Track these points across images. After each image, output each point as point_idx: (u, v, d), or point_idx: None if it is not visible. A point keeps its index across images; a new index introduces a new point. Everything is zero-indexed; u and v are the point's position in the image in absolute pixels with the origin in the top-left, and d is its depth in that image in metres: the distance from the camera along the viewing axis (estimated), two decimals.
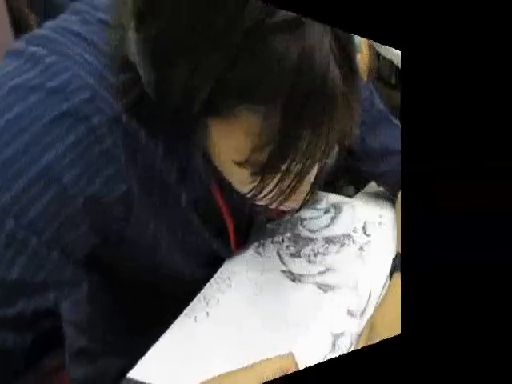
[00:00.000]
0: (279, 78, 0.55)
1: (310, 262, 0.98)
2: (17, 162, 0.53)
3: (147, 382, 0.70)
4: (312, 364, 0.62)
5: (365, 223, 1.12)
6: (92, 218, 0.60)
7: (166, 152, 0.65)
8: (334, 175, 1.00)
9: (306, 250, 1.00)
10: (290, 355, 0.65)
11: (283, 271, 0.96)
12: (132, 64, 0.55)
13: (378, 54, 2.06)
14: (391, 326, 0.77)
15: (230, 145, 0.61)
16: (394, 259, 0.95)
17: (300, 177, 0.62)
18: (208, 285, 0.89)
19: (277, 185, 0.62)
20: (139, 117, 0.60)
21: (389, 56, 1.94)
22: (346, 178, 1.44)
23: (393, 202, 1.15)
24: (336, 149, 0.69)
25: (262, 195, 0.63)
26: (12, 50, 0.56)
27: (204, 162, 0.66)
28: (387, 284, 0.92)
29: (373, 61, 2.06)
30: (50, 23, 0.60)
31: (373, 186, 1.21)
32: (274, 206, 0.66)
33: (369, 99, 1.03)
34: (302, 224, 1.06)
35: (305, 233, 1.04)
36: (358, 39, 1.76)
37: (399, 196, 1.10)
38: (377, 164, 1.10)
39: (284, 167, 0.61)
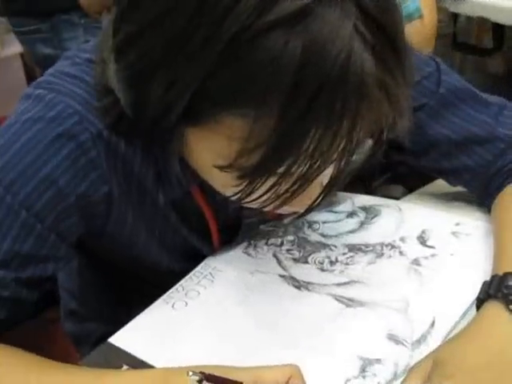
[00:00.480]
0: (274, 77, 0.54)
1: (322, 270, 0.86)
2: (27, 171, 0.70)
3: (125, 349, 0.75)
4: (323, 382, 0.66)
5: (424, 231, 0.91)
6: (80, 212, 0.74)
7: (143, 158, 0.75)
8: (366, 172, 0.94)
9: (318, 257, 0.88)
10: (295, 368, 0.63)
11: (282, 276, 0.85)
12: (112, 90, 0.66)
13: (455, 15, 1.77)
14: (471, 371, 0.64)
15: (210, 150, 0.64)
16: (487, 284, 0.73)
17: (304, 180, 0.60)
18: (187, 277, 0.87)
19: (271, 189, 0.61)
20: (118, 132, 0.72)
21: (479, 12, 1.67)
22: (386, 176, 1.31)
23: (482, 206, 0.95)
24: (369, 143, 0.68)
25: (250, 199, 0.63)
26: (25, 94, 0.74)
27: (182, 166, 0.72)
28: (470, 314, 0.74)
29: (443, 26, 1.73)
30: (49, 71, 0.76)
31: (441, 184, 0.99)
32: (268, 209, 0.67)
33: (433, 77, 0.88)
34: (310, 227, 0.95)
35: (315, 237, 0.92)
36: (414, 5, 1.45)
37: (498, 200, 0.90)
38: (447, 157, 0.91)
39: (282, 170, 0.59)
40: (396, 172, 1.42)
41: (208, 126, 0.60)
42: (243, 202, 0.63)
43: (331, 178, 0.62)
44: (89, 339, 1.00)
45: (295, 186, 0.60)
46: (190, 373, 0.54)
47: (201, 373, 0.54)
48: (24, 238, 0.70)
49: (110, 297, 1.00)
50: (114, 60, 0.63)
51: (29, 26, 1.77)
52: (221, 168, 0.61)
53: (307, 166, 0.58)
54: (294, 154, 0.57)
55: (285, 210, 0.67)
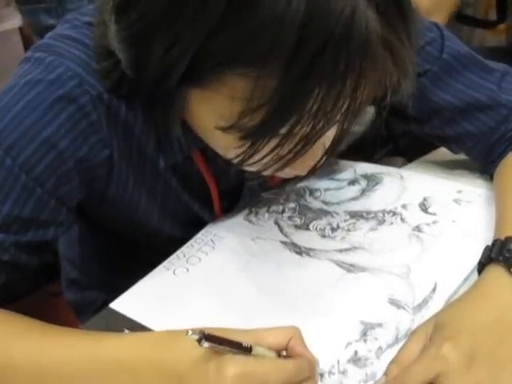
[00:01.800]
0: (277, 35, 0.53)
1: (324, 236, 0.86)
2: (28, 134, 0.69)
3: (126, 314, 0.75)
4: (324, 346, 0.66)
5: (425, 199, 0.91)
6: (81, 176, 0.74)
7: (144, 122, 0.75)
8: (368, 144, 1.06)
9: (319, 224, 0.88)
10: (296, 329, 0.61)
11: (284, 242, 0.85)
12: (112, 52, 0.66)
13: None
14: (471, 332, 0.63)
15: (212, 111, 0.64)
16: (488, 248, 0.73)
17: (307, 141, 0.60)
18: (188, 244, 0.87)
19: (273, 150, 0.61)
20: (119, 95, 0.71)
21: None
22: (388, 149, 1.29)
23: (484, 174, 0.94)
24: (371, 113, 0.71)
25: (252, 161, 0.63)
26: (24, 57, 0.74)
27: (183, 130, 0.72)
28: (472, 279, 0.73)
29: None
30: (49, 34, 0.76)
31: (443, 152, 0.99)
32: (268, 173, 0.66)
33: (436, 43, 0.87)
34: (312, 195, 0.95)
35: (317, 204, 0.92)
36: None
37: (500, 166, 0.89)
38: (450, 124, 0.90)
39: (284, 130, 0.59)
40: (397, 145, 1.42)
41: (210, 87, 0.60)
42: (245, 164, 0.63)
43: (334, 139, 0.62)
44: (90, 308, 1.00)
45: (298, 147, 0.60)
46: (190, 332, 0.54)
47: (200, 332, 0.54)
48: (24, 201, 0.70)
49: (110, 265, 1.00)
50: (115, 21, 0.63)
51: None
52: (223, 129, 0.61)
53: (310, 127, 0.58)
54: (297, 115, 0.57)
55: (287, 173, 0.67)
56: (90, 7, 0.77)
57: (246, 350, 0.56)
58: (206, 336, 0.54)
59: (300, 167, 0.66)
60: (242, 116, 0.58)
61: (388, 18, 0.55)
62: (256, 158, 0.62)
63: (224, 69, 0.57)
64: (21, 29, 2.84)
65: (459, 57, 0.87)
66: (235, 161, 0.63)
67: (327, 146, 0.64)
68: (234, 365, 0.56)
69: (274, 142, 0.60)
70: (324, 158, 0.65)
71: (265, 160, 0.62)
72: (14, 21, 2.74)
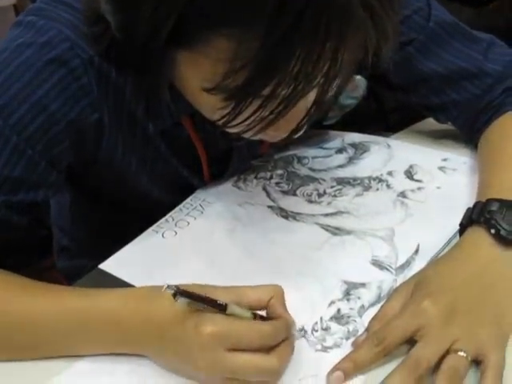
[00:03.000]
0: None
1: (310, 201, 0.88)
2: (19, 96, 0.70)
3: (115, 275, 0.76)
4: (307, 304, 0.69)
5: (411, 166, 0.93)
6: (71, 138, 0.75)
7: (133, 87, 0.76)
8: (360, 121, 1.04)
9: (306, 189, 0.90)
10: (278, 288, 0.64)
11: (271, 207, 0.86)
12: (102, 16, 0.66)
13: None
14: (451, 289, 0.66)
15: (198, 72, 0.65)
16: (470, 210, 0.75)
17: (288, 101, 0.60)
18: (177, 209, 0.88)
19: (256, 111, 0.61)
20: (109, 59, 0.72)
21: None
22: (377, 118, 1.33)
23: (469, 144, 0.95)
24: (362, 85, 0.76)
25: (235, 122, 0.64)
26: (16, 21, 0.75)
27: (172, 95, 0.73)
28: (454, 242, 0.74)
29: None
30: None
31: (429, 123, 1.01)
32: (251, 134, 0.67)
33: (423, 11, 0.88)
34: (300, 162, 0.96)
35: (304, 171, 0.94)
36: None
37: (484, 134, 0.90)
38: (436, 93, 0.91)
39: (266, 92, 0.59)
40: (388, 121, 1.43)
41: (195, 49, 0.61)
42: (230, 125, 0.64)
43: (315, 101, 0.63)
44: (80, 275, 1.02)
45: (280, 108, 0.61)
46: (165, 286, 0.55)
47: (176, 287, 0.55)
48: (15, 162, 0.71)
49: (100, 232, 1.01)
50: None
51: None
52: (208, 90, 0.62)
53: (291, 88, 0.58)
54: (279, 76, 0.57)
55: (271, 135, 0.68)
56: None
57: (221, 308, 0.57)
58: (180, 291, 0.55)
59: (283, 129, 0.67)
60: (226, 77, 0.59)
61: None
62: (240, 119, 0.63)
63: (209, 30, 0.58)
64: (15, 6, 2.83)
65: (445, 26, 0.87)
66: (220, 122, 0.65)
67: (309, 108, 0.65)
68: (211, 324, 0.58)
69: (256, 103, 0.61)
70: (306, 120, 0.66)
71: (248, 121, 0.63)
72: None
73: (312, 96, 0.62)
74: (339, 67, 0.58)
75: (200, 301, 0.57)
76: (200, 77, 0.64)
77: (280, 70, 0.57)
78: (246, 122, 0.63)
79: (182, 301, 0.56)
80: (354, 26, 0.56)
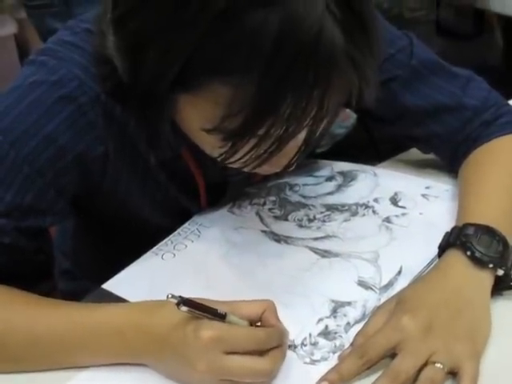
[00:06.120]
0: (254, 48, 0.59)
1: (301, 226, 0.92)
2: (31, 129, 0.75)
3: (118, 294, 0.80)
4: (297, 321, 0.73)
5: (396, 194, 0.97)
6: (78, 170, 0.79)
7: (136, 122, 0.79)
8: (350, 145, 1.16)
9: (297, 215, 0.94)
10: (270, 303, 0.69)
11: (264, 231, 0.91)
12: (110, 59, 0.70)
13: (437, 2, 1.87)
14: (429, 307, 0.71)
15: (198, 114, 0.69)
16: (448, 233, 0.80)
17: (281, 141, 0.65)
18: (176, 232, 0.93)
19: (252, 149, 0.66)
20: (115, 97, 0.76)
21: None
22: (367, 148, 1.37)
23: (451, 173, 0.99)
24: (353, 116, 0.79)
25: (233, 159, 0.68)
26: (29, 60, 0.80)
27: (173, 130, 0.76)
28: (434, 264, 0.79)
29: (425, 13, 1.84)
30: (51, 39, 0.82)
31: (414, 153, 1.05)
32: (248, 169, 0.71)
33: (406, 50, 0.93)
34: (292, 189, 1.01)
35: (295, 198, 0.98)
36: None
37: (464, 164, 0.94)
38: (419, 125, 0.95)
39: (261, 132, 0.64)
40: (378, 150, 1.47)
41: (197, 93, 0.65)
42: (228, 161, 0.69)
43: (305, 140, 0.68)
44: (82, 297, 1.05)
45: (273, 147, 0.65)
46: (170, 295, 0.60)
47: (179, 297, 0.60)
48: (25, 191, 0.76)
49: (102, 255, 1.04)
50: (113, 32, 0.68)
51: (40, 0, 1.79)
52: (207, 131, 0.66)
53: (283, 129, 0.63)
54: (272, 118, 0.62)
55: (265, 169, 0.72)
56: (88, 14, 0.83)
57: (221, 317, 0.63)
58: (183, 300, 0.60)
59: (276, 165, 0.71)
60: (224, 119, 0.63)
61: (352, 35, 0.61)
62: (237, 156, 0.67)
63: (209, 77, 0.63)
64: (15, 35, 2.88)
65: (427, 63, 0.92)
66: (219, 159, 0.69)
67: (299, 146, 0.69)
68: (209, 329, 0.63)
69: (252, 143, 0.65)
70: (297, 157, 0.70)
71: (245, 158, 0.67)
72: (10, 28, 2.78)
73: (302, 135, 0.67)
74: (326, 111, 0.64)
75: (201, 310, 0.62)
76: (200, 118, 0.68)
77: (273, 114, 0.62)
78: (243, 160, 0.68)
79: (184, 309, 0.61)
80: (339, 75, 0.61)
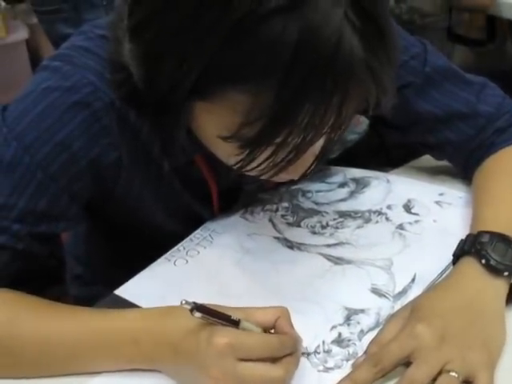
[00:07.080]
0: (273, 57, 0.59)
1: (314, 233, 0.92)
2: (45, 135, 0.75)
3: (130, 300, 0.80)
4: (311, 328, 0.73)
5: (409, 200, 0.97)
6: (92, 176, 0.79)
7: (150, 128, 0.80)
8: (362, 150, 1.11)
9: (310, 222, 0.94)
10: (284, 310, 0.68)
11: (277, 238, 0.91)
12: (125, 66, 0.70)
13: (450, 9, 1.87)
14: (442, 315, 0.70)
15: (215, 122, 0.68)
16: (462, 241, 0.79)
17: (298, 150, 0.65)
18: (188, 239, 0.92)
19: (269, 157, 0.66)
20: (129, 104, 0.75)
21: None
22: (378, 153, 1.33)
23: (465, 180, 0.99)
24: (365, 121, 0.78)
25: (250, 167, 0.68)
26: (43, 65, 0.80)
27: (188, 136, 0.75)
28: (448, 272, 0.79)
29: (438, 20, 1.86)
30: (64, 45, 0.82)
31: (427, 159, 1.05)
32: (265, 177, 0.70)
33: (419, 57, 0.93)
34: (304, 196, 1.01)
35: (308, 204, 0.98)
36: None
37: (478, 171, 0.94)
38: (432, 132, 0.95)
39: (279, 140, 0.64)
40: (390, 156, 1.47)
41: (214, 101, 0.65)
42: (244, 170, 0.68)
43: (322, 148, 0.68)
44: (93, 303, 1.05)
45: (290, 155, 0.65)
46: (184, 301, 0.60)
47: (193, 303, 0.60)
48: (39, 196, 0.76)
49: (114, 260, 1.04)
50: (129, 40, 0.68)
51: (50, 6, 1.80)
52: (224, 139, 0.66)
53: (301, 138, 0.63)
54: (290, 127, 0.62)
55: (281, 177, 0.72)
56: (101, 20, 0.83)
57: (235, 323, 0.62)
58: (197, 306, 0.60)
59: (293, 173, 0.71)
60: (242, 127, 0.63)
61: (370, 43, 0.61)
62: (254, 164, 0.67)
63: (227, 85, 0.62)
64: (27, 41, 2.90)
65: (441, 70, 0.92)
66: (235, 167, 0.68)
67: (317, 154, 0.69)
68: (223, 335, 0.63)
69: (269, 151, 0.65)
70: (314, 165, 0.70)
71: (261, 166, 0.67)
72: (21, 33, 2.81)
73: (319, 144, 0.67)
74: (344, 119, 0.64)
75: (215, 316, 0.62)
76: (217, 126, 0.68)
77: (291, 122, 0.62)
78: (260, 168, 0.67)
79: (197, 315, 0.61)
80: (357, 83, 0.61)
